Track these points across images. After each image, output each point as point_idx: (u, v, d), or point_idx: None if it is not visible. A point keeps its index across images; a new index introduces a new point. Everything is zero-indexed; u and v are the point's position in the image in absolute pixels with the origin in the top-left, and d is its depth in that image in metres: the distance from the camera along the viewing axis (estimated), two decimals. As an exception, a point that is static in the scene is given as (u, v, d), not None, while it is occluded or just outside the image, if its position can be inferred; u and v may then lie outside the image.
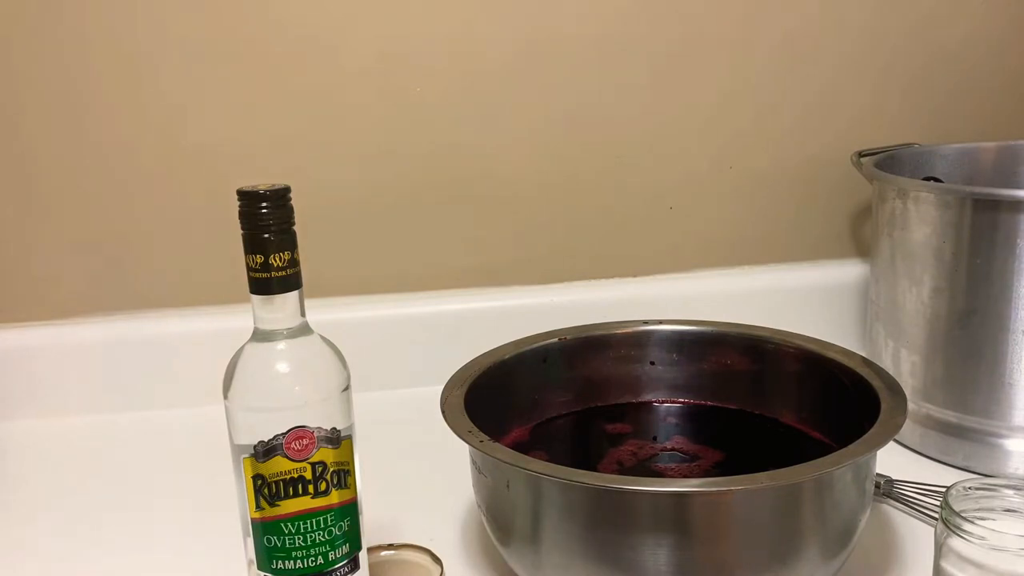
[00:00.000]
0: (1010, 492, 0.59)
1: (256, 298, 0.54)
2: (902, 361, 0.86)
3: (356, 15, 0.99)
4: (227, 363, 0.55)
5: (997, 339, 0.79)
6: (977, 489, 0.59)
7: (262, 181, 0.53)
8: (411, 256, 1.07)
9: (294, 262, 0.54)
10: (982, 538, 0.54)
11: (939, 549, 0.58)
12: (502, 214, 1.06)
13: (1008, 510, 0.58)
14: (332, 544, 0.56)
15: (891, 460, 0.84)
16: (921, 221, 0.83)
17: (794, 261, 1.13)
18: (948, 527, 0.56)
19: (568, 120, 1.05)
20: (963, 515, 0.56)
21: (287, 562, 0.55)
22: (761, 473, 0.56)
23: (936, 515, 0.57)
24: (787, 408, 0.77)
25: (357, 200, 1.04)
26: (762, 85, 1.07)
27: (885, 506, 0.77)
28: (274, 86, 1.00)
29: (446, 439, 0.64)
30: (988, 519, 0.57)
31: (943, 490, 0.59)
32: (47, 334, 1.02)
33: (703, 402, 0.81)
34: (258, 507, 0.55)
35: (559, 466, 0.58)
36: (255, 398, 0.54)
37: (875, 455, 0.62)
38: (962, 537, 0.55)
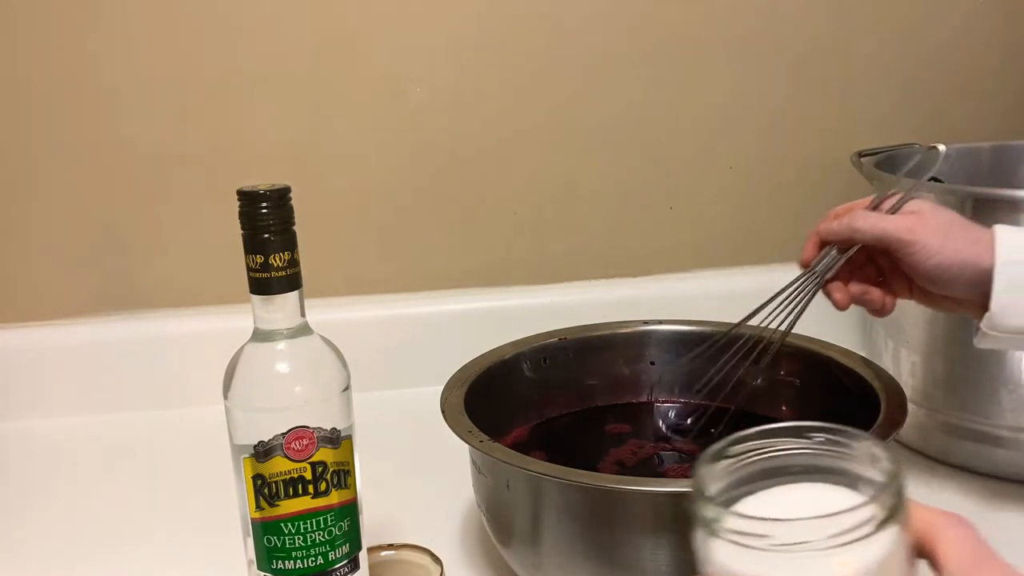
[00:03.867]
0: (782, 442, 0.37)
1: (256, 298, 0.54)
2: (902, 361, 0.86)
3: (356, 17, 0.99)
4: (227, 363, 0.55)
5: (997, 339, 0.79)
6: (736, 455, 0.37)
7: (262, 181, 0.53)
8: (411, 256, 1.06)
9: (294, 262, 0.54)
10: (765, 536, 0.33)
11: (704, 566, 0.35)
12: (502, 214, 1.06)
13: (782, 474, 0.37)
14: (332, 544, 0.56)
15: (891, 460, 0.84)
16: (921, 221, 0.82)
17: (794, 261, 1.13)
18: (708, 528, 0.34)
19: (568, 120, 1.05)
20: (726, 502, 0.36)
21: (287, 562, 0.55)
22: (761, 473, 0.55)
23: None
24: (787, 408, 0.77)
25: (357, 200, 1.04)
26: (762, 85, 1.07)
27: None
28: (274, 87, 1.00)
29: (446, 439, 0.64)
30: (759, 495, 0.36)
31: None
32: (47, 334, 1.02)
33: (703, 402, 0.81)
34: (258, 507, 0.55)
35: (559, 466, 0.58)
36: (255, 398, 0.54)
37: (875, 455, 0.62)
38: (732, 541, 0.33)
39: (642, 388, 0.82)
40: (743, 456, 0.37)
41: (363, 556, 0.59)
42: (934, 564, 0.35)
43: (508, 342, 0.79)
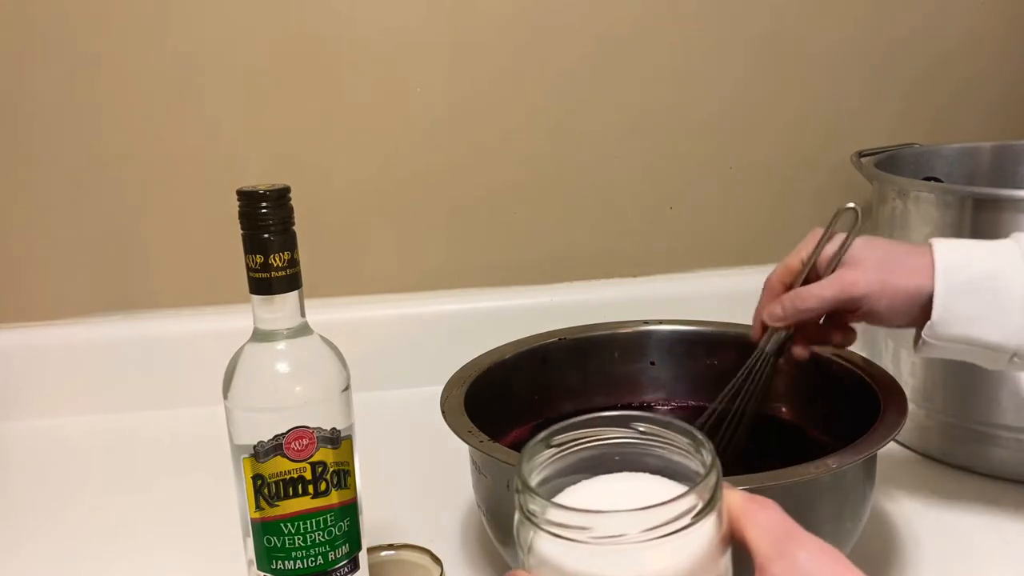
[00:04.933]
0: (606, 432, 0.37)
1: (256, 298, 0.54)
2: (902, 361, 0.86)
3: (357, 17, 0.99)
4: (227, 363, 0.55)
5: (997, 339, 0.78)
6: (560, 444, 0.37)
7: (262, 181, 0.53)
8: (411, 256, 1.06)
9: (294, 262, 0.53)
10: (584, 528, 0.32)
11: (525, 558, 0.35)
12: (503, 214, 1.06)
13: (605, 463, 0.37)
14: (332, 544, 0.56)
15: (891, 460, 0.84)
16: (921, 221, 0.83)
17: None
18: (529, 519, 0.34)
19: (568, 120, 1.05)
20: (549, 492, 0.35)
21: (287, 562, 0.55)
22: (761, 473, 0.56)
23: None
24: (787, 408, 0.77)
25: (357, 200, 1.04)
26: (762, 85, 1.07)
27: (885, 506, 0.77)
28: (274, 87, 0.99)
29: (446, 439, 0.64)
30: (581, 486, 0.36)
31: None
32: (47, 334, 1.02)
33: (703, 402, 0.81)
34: (258, 507, 0.55)
35: (559, 466, 0.58)
36: (255, 398, 0.54)
37: (875, 455, 0.62)
38: (553, 534, 0.33)
39: (642, 388, 0.82)
40: (568, 445, 0.37)
41: (363, 556, 0.59)
42: (745, 548, 0.36)
43: (508, 342, 0.79)
